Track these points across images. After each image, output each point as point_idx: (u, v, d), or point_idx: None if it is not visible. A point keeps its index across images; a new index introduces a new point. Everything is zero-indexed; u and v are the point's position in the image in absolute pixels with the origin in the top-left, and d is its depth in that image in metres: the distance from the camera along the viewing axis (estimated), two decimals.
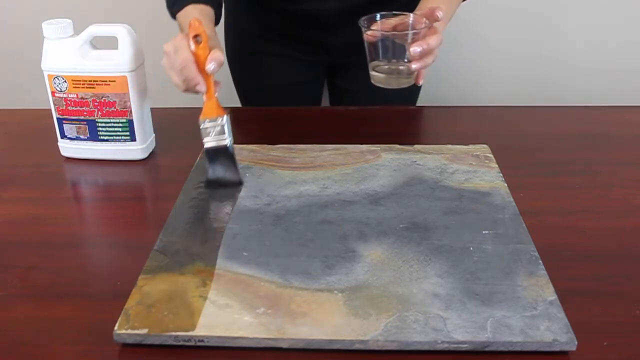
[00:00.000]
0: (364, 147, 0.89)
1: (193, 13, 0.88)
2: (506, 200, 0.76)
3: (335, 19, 1.05)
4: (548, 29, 1.60)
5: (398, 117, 1.06)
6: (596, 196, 0.80)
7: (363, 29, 0.84)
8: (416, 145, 0.90)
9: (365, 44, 0.85)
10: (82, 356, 0.57)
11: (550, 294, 0.61)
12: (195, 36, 0.79)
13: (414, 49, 0.80)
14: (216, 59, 0.79)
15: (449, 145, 0.90)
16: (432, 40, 0.81)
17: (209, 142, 0.81)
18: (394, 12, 0.86)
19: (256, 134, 0.99)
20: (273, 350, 0.57)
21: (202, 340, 0.57)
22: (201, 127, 0.81)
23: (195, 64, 0.79)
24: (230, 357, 0.56)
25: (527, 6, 1.57)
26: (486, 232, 0.70)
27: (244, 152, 0.89)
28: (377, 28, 0.84)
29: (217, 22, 0.94)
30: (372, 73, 0.87)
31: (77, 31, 0.86)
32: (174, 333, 0.57)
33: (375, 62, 0.86)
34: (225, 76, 1.23)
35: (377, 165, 0.85)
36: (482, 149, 0.89)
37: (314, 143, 0.90)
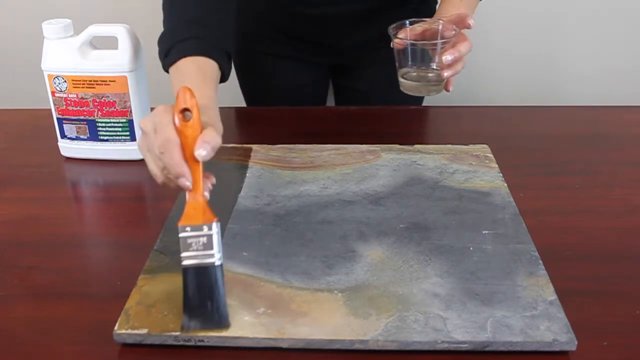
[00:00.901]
0: (364, 147, 0.89)
1: (189, 69, 0.71)
2: (506, 200, 0.76)
3: (346, 22, 1.05)
4: (548, 29, 1.60)
5: (398, 117, 1.06)
6: (596, 196, 0.80)
7: (392, 36, 0.83)
8: (416, 145, 0.90)
9: (394, 52, 0.84)
10: (82, 356, 0.57)
11: (550, 294, 0.61)
12: (183, 110, 0.60)
13: (446, 57, 0.79)
14: (210, 142, 0.59)
15: (449, 145, 0.90)
16: (463, 48, 0.81)
17: (187, 259, 0.58)
18: (422, 19, 0.85)
19: (256, 134, 0.99)
20: (273, 350, 0.57)
21: (202, 340, 0.57)
22: (180, 235, 0.58)
23: (181, 148, 0.59)
24: (230, 357, 0.57)
25: (528, 6, 1.57)
26: (486, 232, 0.70)
27: (244, 152, 0.89)
28: (405, 35, 0.83)
29: (224, 79, 0.76)
30: (402, 80, 0.86)
31: (77, 31, 0.86)
32: (174, 333, 0.57)
33: (404, 69, 0.85)
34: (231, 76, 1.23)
35: (377, 165, 0.85)
36: (482, 149, 0.89)
37: (314, 143, 0.90)
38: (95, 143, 0.90)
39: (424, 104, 1.19)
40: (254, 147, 0.90)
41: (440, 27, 0.83)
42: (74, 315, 0.61)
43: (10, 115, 1.09)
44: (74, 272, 0.68)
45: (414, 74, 0.85)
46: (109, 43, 0.86)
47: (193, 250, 0.58)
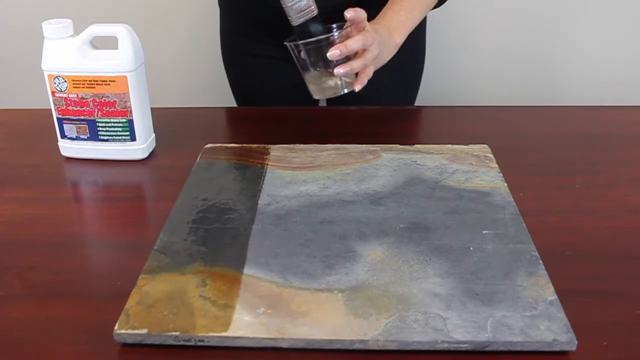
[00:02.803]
0: (364, 147, 0.89)
1: None
2: (506, 200, 0.76)
3: (333, 19, 1.05)
4: (548, 28, 1.60)
5: (398, 117, 1.06)
6: (596, 196, 0.80)
7: (288, 45, 0.81)
8: (416, 145, 0.90)
9: (295, 60, 0.83)
10: (82, 356, 0.57)
11: (550, 294, 0.61)
12: None
13: (332, 52, 0.77)
14: None
15: (449, 145, 0.90)
16: (353, 42, 0.78)
17: (297, 18, 0.77)
18: (333, 25, 0.83)
19: (256, 134, 0.99)
20: (273, 350, 0.57)
21: (202, 340, 0.57)
22: (288, 4, 0.77)
23: None
24: (230, 357, 0.57)
25: (527, 6, 1.57)
26: (486, 232, 0.70)
27: (244, 152, 0.89)
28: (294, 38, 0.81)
29: None
30: (308, 85, 0.85)
31: (77, 31, 0.86)
32: (174, 333, 0.57)
33: (308, 74, 0.83)
34: (221, 76, 1.23)
35: (377, 165, 0.85)
36: (482, 149, 0.89)
37: (314, 143, 0.90)
38: (95, 143, 0.90)
39: (424, 104, 1.19)
40: (254, 147, 0.90)
41: (334, 26, 0.82)
42: (74, 315, 0.61)
43: (10, 115, 1.09)
44: (74, 272, 0.68)
45: (317, 74, 0.83)
46: (109, 43, 0.86)
47: (297, 8, 0.76)
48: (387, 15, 0.90)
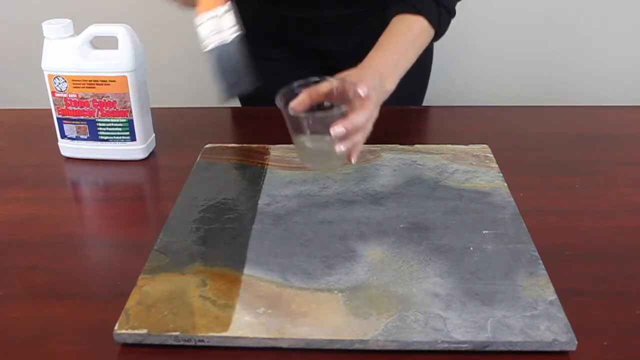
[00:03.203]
0: (364, 147, 0.89)
1: None
2: (506, 200, 0.76)
3: (335, 26, 1.05)
4: (548, 29, 1.60)
5: (398, 117, 1.06)
6: (596, 196, 0.80)
7: (281, 105, 0.71)
8: (416, 145, 0.90)
9: (288, 123, 0.72)
10: (82, 356, 0.57)
11: (550, 294, 0.61)
12: None
13: (335, 129, 0.67)
14: None
15: (449, 145, 0.90)
16: (357, 117, 0.69)
17: (211, 42, 0.66)
18: (316, 79, 0.73)
19: (256, 134, 0.99)
20: (273, 350, 0.57)
21: (202, 340, 0.57)
22: (198, 26, 0.65)
23: None
24: (230, 357, 0.57)
25: (527, 6, 1.57)
26: (486, 232, 0.70)
27: (244, 152, 0.89)
28: (304, 97, 0.71)
29: None
30: (299, 152, 0.76)
31: (77, 31, 0.86)
32: (174, 333, 0.57)
33: (300, 140, 0.72)
34: None
35: (377, 165, 0.85)
36: (482, 149, 0.89)
37: None
38: (95, 143, 0.90)
39: (424, 104, 1.19)
40: (254, 147, 0.90)
41: (338, 88, 0.72)
42: (74, 315, 0.61)
43: (10, 115, 1.09)
44: (74, 272, 0.68)
45: (310, 145, 0.72)
46: (109, 43, 0.86)
47: (212, 34, 0.66)
48: (380, 58, 0.80)
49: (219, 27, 0.64)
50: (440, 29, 0.88)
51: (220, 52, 0.65)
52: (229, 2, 0.65)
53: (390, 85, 0.80)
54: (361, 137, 0.71)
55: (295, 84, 0.73)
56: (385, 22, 0.86)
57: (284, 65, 1.13)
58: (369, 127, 0.72)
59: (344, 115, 0.68)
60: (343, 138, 0.68)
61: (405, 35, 0.84)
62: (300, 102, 0.71)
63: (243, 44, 0.66)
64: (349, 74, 0.74)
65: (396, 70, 0.81)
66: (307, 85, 0.73)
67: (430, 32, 0.87)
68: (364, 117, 0.69)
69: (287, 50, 1.11)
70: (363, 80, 0.71)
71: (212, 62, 0.66)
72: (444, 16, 0.87)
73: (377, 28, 0.87)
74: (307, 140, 0.72)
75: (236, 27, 0.65)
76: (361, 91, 0.69)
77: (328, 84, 0.72)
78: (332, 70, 1.19)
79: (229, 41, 0.65)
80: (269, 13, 1.07)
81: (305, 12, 1.03)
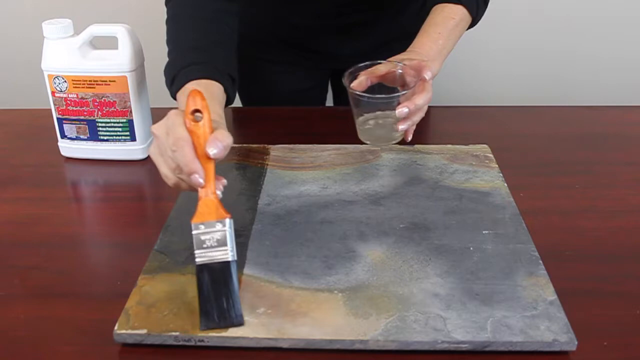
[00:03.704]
0: (364, 147, 0.89)
1: None
2: (506, 200, 0.76)
3: (345, 32, 1.04)
4: (548, 29, 1.60)
5: None
6: (596, 196, 0.80)
7: (346, 85, 0.77)
8: (416, 145, 0.90)
9: (350, 99, 0.79)
10: (82, 356, 0.57)
11: (550, 294, 0.61)
12: (194, 112, 0.61)
13: (401, 110, 0.75)
14: (222, 140, 0.60)
15: (449, 145, 0.90)
16: (420, 99, 0.76)
17: (201, 257, 0.59)
18: (380, 62, 0.79)
19: (256, 134, 0.99)
20: (273, 350, 0.57)
21: (202, 340, 0.57)
22: (193, 232, 0.59)
23: (193, 146, 0.60)
24: (230, 357, 0.57)
25: (528, 6, 1.57)
26: (486, 232, 0.70)
27: (244, 152, 0.89)
28: (363, 79, 0.77)
29: (229, 102, 0.77)
30: (359, 129, 0.81)
31: (77, 31, 0.86)
32: (174, 333, 0.57)
33: (362, 118, 0.80)
34: None
35: (377, 165, 0.85)
36: (482, 149, 0.89)
37: (314, 143, 0.90)
38: (95, 143, 0.90)
39: None
40: (254, 147, 0.90)
41: (400, 71, 0.78)
42: (74, 315, 0.61)
43: (10, 115, 1.09)
44: (74, 272, 0.68)
45: (372, 121, 0.80)
46: (109, 43, 0.86)
47: (207, 248, 0.59)
48: (425, 43, 0.85)
49: (215, 241, 0.59)
50: (477, 17, 0.92)
51: (212, 270, 0.59)
52: (231, 221, 0.60)
53: (436, 69, 0.84)
54: (419, 117, 0.78)
55: (362, 64, 0.79)
56: (426, 11, 0.90)
57: (291, 68, 1.13)
58: (425, 109, 0.78)
59: (406, 98, 0.76)
60: (405, 118, 0.76)
61: (447, 23, 0.88)
62: (359, 83, 0.77)
63: (237, 270, 0.59)
64: (408, 59, 0.79)
65: (441, 55, 0.85)
66: (372, 66, 0.79)
67: (468, 19, 0.90)
68: (425, 99, 0.76)
69: (295, 53, 1.11)
70: (426, 65, 0.77)
71: (199, 280, 0.59)
72: (481, 5, 0.92)
73: (387, 32, 0.87)
74: (367, 118, 0.80)
75: (234, 252, 0.59)
76: (427, 76, 0.76)
77: (388, 67, 0.78)
78: (339, 72, 1.19)
79: (223, 260, 0.58)
80: (277, 19, 1.07)
81: (319, 21, 1.03)
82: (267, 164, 0.85)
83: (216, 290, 0.58)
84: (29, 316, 0.62)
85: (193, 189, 0.62)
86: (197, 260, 0.59)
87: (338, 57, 1.10)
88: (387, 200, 0.77)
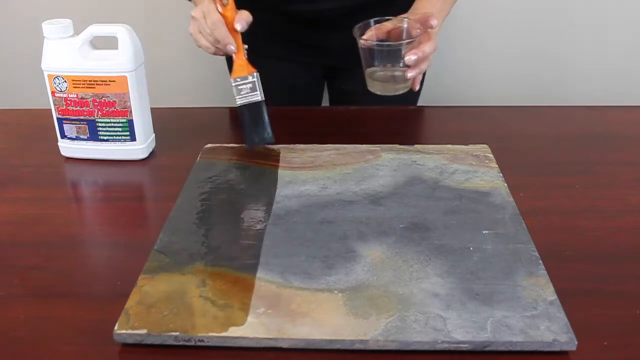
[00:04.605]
0: (364, 147, 0.89)
1: None
2: (506, 200, 0.76)
3: (334, 21, 1.05)
4: (548, 28, 1.60)
5: (398, 117, 1.06)
6: (596, 196, 0.80)
7: (357, 37, 0.85)
8: (416, 145, 0.90)
9: (360, 52, 0.86)
10: (82, 356, 0.57)
11: (550, 294, 0.61)
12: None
13: (410, 57, 0.82)
14: (245, 18, 0.83)
15: (449, 145, 0.90)
16: (427, 47, 0.83)
17: (241, 99, 0.85)
18: (388, 17, 0.86)
19: None
20: (273, 350, 0.57)
21: (202, 340, 0.57)
22: (233, 85, 0.85)
23: (226, 26, 0.83)
24: (230, 357, 0.57)
25: (528, 6, 1.57)
26: (486, 232, 0.70)
27: (244, 152, 0.89)
28: (371, 35, 0.85)
29: None
30: (369, 80, 0.88)
31: (77, 31, 0.86)
32: (174, 333, 0.57)
33: (371, 69, 0.86)
34: (221, 76, 1.23)
35: (377, 165, 0.85)
36: (482, 149, 0.89)
37: (314, 143, 0.90)
38: (95, 143, 0.90)
39: (424, 104, 1.19)
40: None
41: (406, 26, 0.86)
42: (74, 315, 0.61)
43: (10, 115, 1.09)
44: (74, 272, 0.68)
45: (381, 73, 0.87)
46: (109, 43, 0.86)
47: (243, 93, 0.85)
48: (425, 6, 0.91)
49: (248, 88, 0.85)
50: None
51: (249, 108, 0.85)
52: (257, 73, 0.85)
53: (437, 29, 0.89)
54: (426, 65, 0.85)
55: (371, 20, 0.87)
56: None
57: (281, 64, 1.13)
58: (431, 58, 0.85)
59: (412, 47, 0.82)
60: (414, 66, 0.82)
61: None
62: (369, 37, 0.85)
63: (266, 107, 0.85)
64: (411, 15, 0.87)
65: (440, 16, 0.90)
66: (381, 21, 0.87)
67: None
68: (432, 47, 0.83)
69: (285, 47, 1.11)
70: (432, 15, 0.84)
71: (241, 115, 0.85)
72: None
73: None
74: (376, 69, 0.86)
75: (261, 92, 0.85)
76: (433, 23, 0.83)
77: (394, 23, 0.86)
78: (331, 68, 1.19)
79: (255, 100, 0.85)
80: (267, 8, 1.07)
81: (304, 5, 1.03)
82: (267, 164, 0.85)
83: (254, 121, 0.86)
84: (29, 316, 0.62)
85: (227, 54, 0.87)
86: (237, 102, 0.85)
87: (330, 50, 1.10)
88: (387, 200, 0.77)
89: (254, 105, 0.86)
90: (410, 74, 0.83)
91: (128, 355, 0.57)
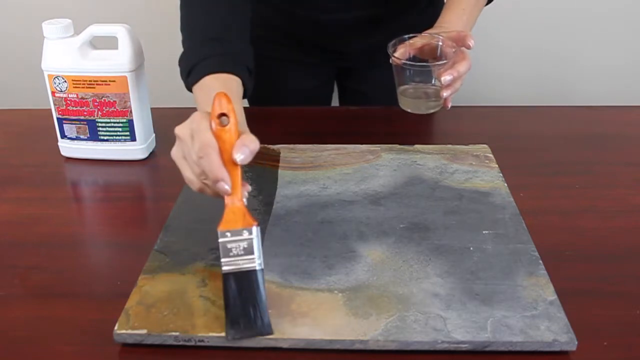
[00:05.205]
0: (364, 147, 0.89)
1: (214, 87, 0.70)
2: (506, 200, 0.76)
3: (352, 28, 1.04)
4: (549, 29, 1.60)
5: (398, 117, 1.05)
6: (596, 196, 0.80)
7: (390, 53, 0.84)
8: (416, 145, 0.90)
9: (393, 68, 0.85)
10: (82, 356, 0.57)
11: (550, 294, 0.61)
12: (221, 115, 0.60)
13: (445, 77, 0.80)
14: (249, 145, 0.59)
15: (449, 145, 0.90)
16: (462, 67, 0.82)
17: (228, 265, 0.57)
18: (423, 34, 0.85)
19: (256, 133, 0.98)
20: (273, 350, 0.57)
21: (202, 340, 0.57)
22: (220, 240, 0.58)
23: (219, 153, 0.59)
24: (230, 357, 0.56)
25: (529, 6, 1.57)
26: (486, 232, 0.70)
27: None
28: (404, 51, 0.83)
29: (246, 94, 0.76)
30: (400, 97, 0.87)
31: (77, 31, 0.86)
32: (174, 333, 0.57)
33: (403, 87, 0.86)
34: None
35: (377, 165, 0.85)
36: (482, 149, 0.89)
37: (314, 143, 0.90)
38: (95, 143, 0.90)
39: None
40: None
41: (440, 44, 0.84)
42: (74, 315, 0.61)
43: (10, 115, 1.09)
44: (74, 272, 0.68)
45: (412, 91, 0.86)
46: (109, 43, 0.86)
47: (233, 256, 0.57)
48: (452, 19, 0.90)
49: (241, 249, 0.57)
50: None
51: (238, 278, 0.57)
52: (258, 228, 0.58)
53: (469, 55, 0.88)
54: (459, 84, 0.83)
55: (405, 36, 0.85)
56: None
57: (296, 67, 1.13)
58: (464, 77, 0.84)
59: (446, 67, 0.81)
60: (449, 85, 0.81)
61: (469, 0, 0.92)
62: (401, 53, 0.83)
63: (264, 279, 0.58)
64: (445, 32, 0.85)
65: (466, 29, 0.89)
66: (412, 38, 0.85)
67: None
68: (467, 67, 0.82)
69: (299, 50, 1.10)
70: (467, 34, 0.83)
71: (225, 288, 0.57)
72: None
73: (392, 30, 0.87)
74: (408, 87, 0.86)
75: (261, 256, 0.58)
76: (471, 43, 0.82)
77: (427, 40, 0.84)
78: (343, 69, 1.18)
79: (249, 269, 0.57)
80: (284, 15, 1.06)
81: (318, 13, 1.03)
82: (267, 164, 0.85)
83: (243, 299, 0.57)
84: (29, 316, 0.62)
85: (218, 196, 0.59)
86: (223, 268, 0.57)
87: (345, 54, 1.09)
88: (387, 200, 0.77)
89: (247, 276, 0.57)
90: (445, 93, 0.82)
91: (128, 355, 0.57)
